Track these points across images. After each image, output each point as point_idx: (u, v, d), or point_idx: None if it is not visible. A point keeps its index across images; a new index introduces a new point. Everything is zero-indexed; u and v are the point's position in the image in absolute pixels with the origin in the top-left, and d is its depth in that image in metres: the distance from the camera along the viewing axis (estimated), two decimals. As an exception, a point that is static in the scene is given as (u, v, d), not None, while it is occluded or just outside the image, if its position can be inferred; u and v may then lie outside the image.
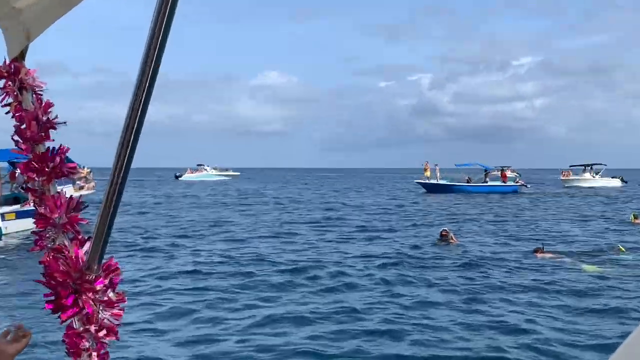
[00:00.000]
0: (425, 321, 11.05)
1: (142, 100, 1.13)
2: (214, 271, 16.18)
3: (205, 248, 20.96)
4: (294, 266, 16.81)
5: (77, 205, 1.38)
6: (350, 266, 16.94)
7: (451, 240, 20.94)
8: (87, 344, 1.34)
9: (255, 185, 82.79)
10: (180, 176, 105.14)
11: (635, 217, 29.31)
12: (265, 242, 22.12)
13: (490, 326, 10.63)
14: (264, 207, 40.66)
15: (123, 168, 1.19)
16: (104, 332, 1.35)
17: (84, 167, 32.84)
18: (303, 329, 10.49)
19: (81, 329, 1.33)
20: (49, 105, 1.42)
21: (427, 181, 59.68)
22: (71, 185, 28.94)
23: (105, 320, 1.35)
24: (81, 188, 31.68)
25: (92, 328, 1.33)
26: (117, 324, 1.37)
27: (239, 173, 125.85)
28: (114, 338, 1.37)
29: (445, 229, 22.08)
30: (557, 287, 14.19)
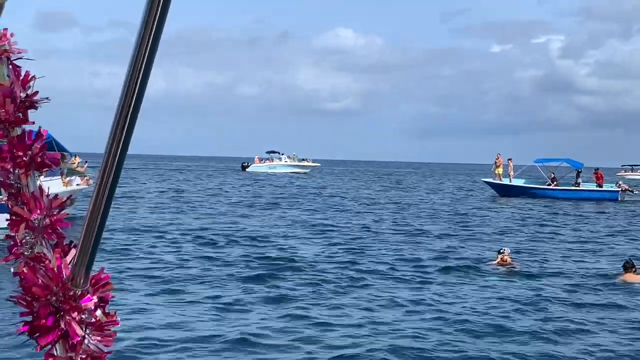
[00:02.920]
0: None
1: (141, 71, 1.09)
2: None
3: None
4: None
5: (61, 204, 1.31)
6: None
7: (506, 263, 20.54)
8: None
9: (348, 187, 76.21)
10: (248, 166, 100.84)
11: None
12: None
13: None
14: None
15: (117, 158, 1.14)
16: None
17: (75, 157, 33.00)
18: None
19: (63, 356, 1.25)
20: (29, 78, 1.32)
21: (498, 181, 52.61)
22: (59, 178, 28.49)
23: (93, 347, 1.27)
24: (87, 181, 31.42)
25: (77, 356, 1.26)
26: (107, 352, 1.28)
27: (318, 164, 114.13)
28: None
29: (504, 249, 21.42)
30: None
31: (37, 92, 1.30)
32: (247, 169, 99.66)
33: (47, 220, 1.27)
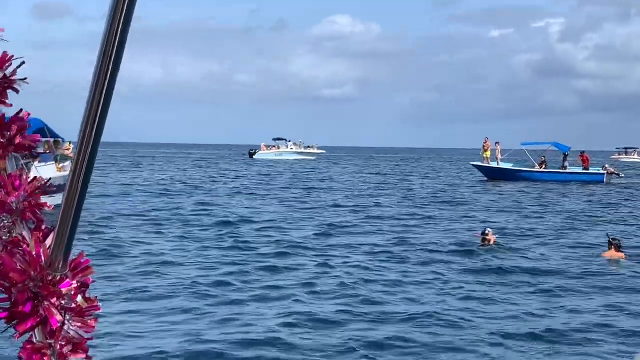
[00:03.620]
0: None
1: (112, 55, 1.07)
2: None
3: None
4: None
5: (41, 186, 1.28)
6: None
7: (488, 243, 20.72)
8: None
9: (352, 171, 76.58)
10: (254, 153, 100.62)
11: None
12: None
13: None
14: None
15: (92, 140, 1.13)
16: (69, 347, 1.23)
17: (69, 142, 32.51)
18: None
19: (41, 343, 1.22)
20: (7, 58, 1.28)
21: (486, 164, 53.16)
22: (53, 163, 28.53)
23: (73, 333, 1.24)
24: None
25: (57, 343, 1.23)
26: (88, 338, 1.25)
27: (324, 151, 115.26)
28: (82, 356, 1.25)
29: (487, 229, 21.56)
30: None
31: (15, 72, 1.27)
32: (253, 156, 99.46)
33: (26, 203, 1.25)
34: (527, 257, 19.38)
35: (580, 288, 15.54)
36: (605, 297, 14.71)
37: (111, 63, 1.05)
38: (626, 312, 13.38)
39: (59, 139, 30.01)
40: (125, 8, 1.02)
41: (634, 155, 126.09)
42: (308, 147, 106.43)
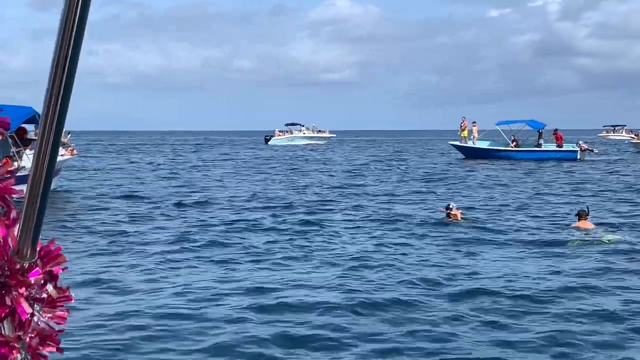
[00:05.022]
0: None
1: (72, 35, 1.02)
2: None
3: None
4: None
5: (10, 171, 1.21)
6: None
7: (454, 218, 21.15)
8: (19, 356, 1.18)
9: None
10: (270, 139, 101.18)
11: None
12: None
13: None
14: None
15: (55, 122, 1.07)
16: (39, 340, 1.18)
17: None
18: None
19: (11, 335, 1.17)
20: None
21: (464, 144, 54.11)
22: None
23: (43, 325, 1.19)
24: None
25: (26, 335, 1.18)
26: (59, 330, 1.20)
27: (334, 135, 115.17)
28: (53, 349, 1.20)
29: (451, 204, 21.87)
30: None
31: None
32: (269, 142, 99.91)
33: None
34: (490, 229, 19.83)
35: (549, 255, 16.07)
36: (569, 261, 15.30)
37: (70, 50, 1.01)
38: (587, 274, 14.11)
39: None
40: None
41: (622, 132, 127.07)
42: (320, 131, 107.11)
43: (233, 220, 21.87)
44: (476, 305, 11.72)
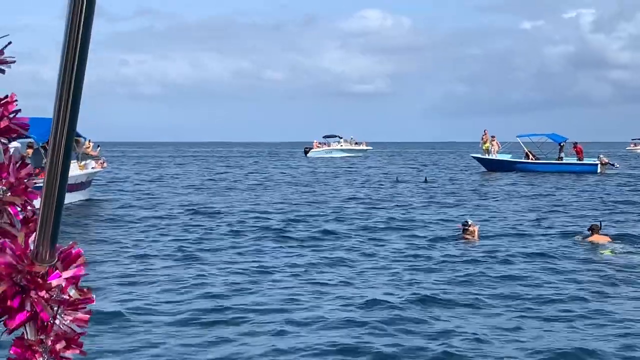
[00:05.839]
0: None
1: (80, 37, 1.00)
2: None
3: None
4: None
5: (29, 174, 1.21)
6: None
7: (471, 236, 21.03)
8: None
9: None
10: (309, 151, 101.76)
11: None
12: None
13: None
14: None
15: (67, 122, 1.05)
16: (62, 344, 1.17)
17: (89, 141, 33.36)
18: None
19: (33, 340, 1.16)
20: None
21: (486, 156, 54.73)
22: (75, 162, 29.35)
23: (65, 328, 1.17)
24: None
25: (48, 338, 1.16)
26: (81, 333, 1.18)
27: (371, 147, 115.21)
28: (77, 351, 1.19)
29: (468, 221, 21.85)
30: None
31: (2, 52, 1.20)
32: (307, 154, 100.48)
33: (14, 191, 1.19)
34: (502, 246, 19.96)
35: (565, 269, 16.56)
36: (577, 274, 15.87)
37: (77, 57, 0.99)
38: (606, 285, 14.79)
39: (80, 138, 30.47)
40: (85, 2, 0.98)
41: None
42: (357, 143, 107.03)
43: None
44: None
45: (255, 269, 16.45)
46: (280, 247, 19.85)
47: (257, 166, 77.16)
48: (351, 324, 11.72)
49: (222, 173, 60.06)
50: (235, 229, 23.35)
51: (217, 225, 24.02)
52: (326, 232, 22.68)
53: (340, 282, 15.16)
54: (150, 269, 16.28)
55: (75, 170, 27.10)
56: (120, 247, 19.15)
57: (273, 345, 10.48)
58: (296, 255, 18.61)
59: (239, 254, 18.72)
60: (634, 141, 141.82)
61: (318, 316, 12.18)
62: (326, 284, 14.87)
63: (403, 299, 13.38)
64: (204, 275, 15.63)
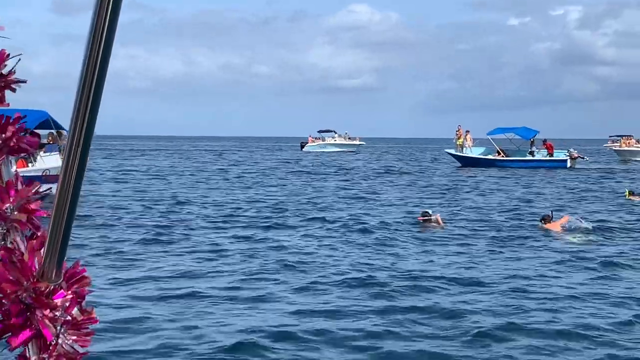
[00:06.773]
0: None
1: (101, 47, 0.97)
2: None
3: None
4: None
5: (37, 192, 1.18)
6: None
7: (434, 223, 22.10)
8: None
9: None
10: (304, 145, 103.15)
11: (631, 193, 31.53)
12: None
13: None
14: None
15: (83, 136, 1.02)
16: None
17: None
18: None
19: (36, 357, 1.14)
20: (4, 56, 1.20)
21: (459, 152, 56.02)
22: (57, 153, 29.05)
23: (68, 347, 1.15)
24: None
25: (51, 357, 1.14)
26: (84, 353, 1.17)
27: (363, 142, 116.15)
28: None
29: (427, 211, 23.26)
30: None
31: (13, 72, 1.20)
32: (303, 148, 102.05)
33: (21, 209, 1.18)
34: (460, 232, 21.32)
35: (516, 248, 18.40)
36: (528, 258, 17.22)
37: (100, 55, 0.96)
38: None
39: (62, 131, 30.33)
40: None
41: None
42: (350, 139, 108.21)
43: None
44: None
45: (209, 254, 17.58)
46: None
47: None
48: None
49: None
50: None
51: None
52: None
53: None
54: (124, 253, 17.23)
55: (56, 161, 27.37)
56: (99, 235, 19.86)
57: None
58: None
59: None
60: (612, 138, 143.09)
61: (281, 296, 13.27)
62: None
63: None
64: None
